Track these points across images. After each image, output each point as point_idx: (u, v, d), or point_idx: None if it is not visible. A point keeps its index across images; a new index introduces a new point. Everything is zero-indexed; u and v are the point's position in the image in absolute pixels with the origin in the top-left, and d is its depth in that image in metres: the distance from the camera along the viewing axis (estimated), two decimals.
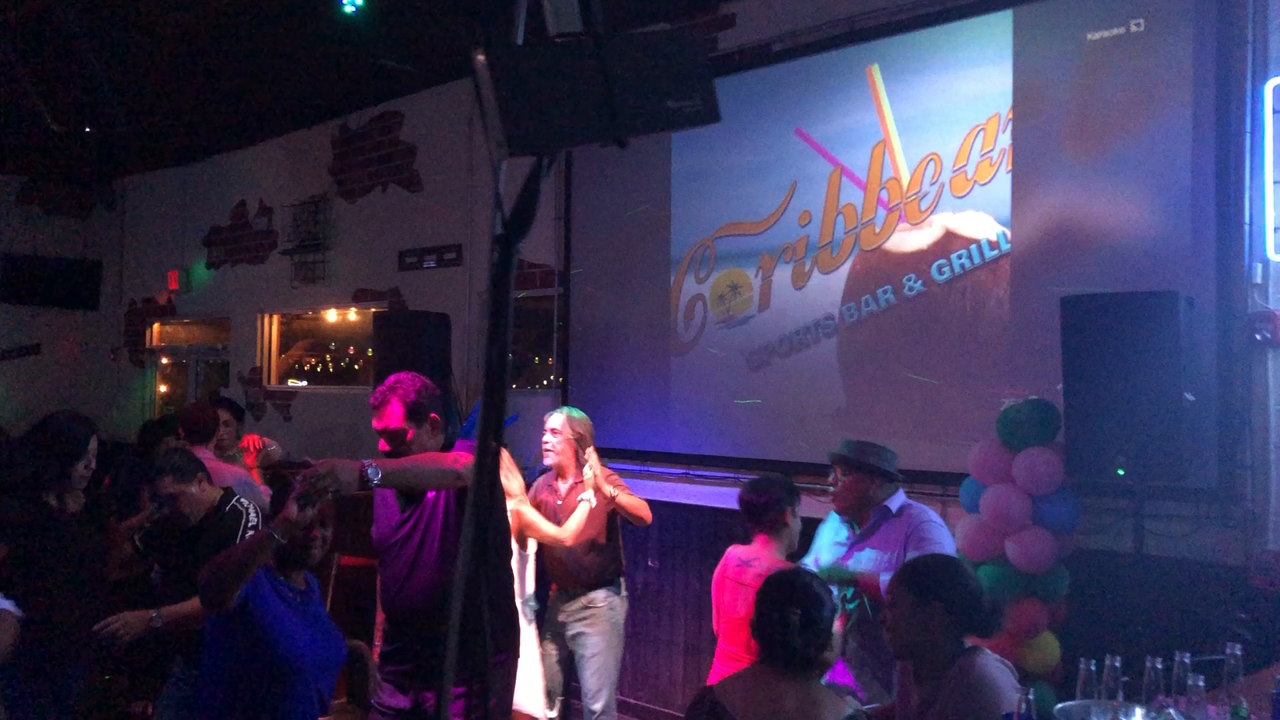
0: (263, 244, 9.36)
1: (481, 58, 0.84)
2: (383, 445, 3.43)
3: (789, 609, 2.52)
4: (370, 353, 9.15)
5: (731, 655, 3.90)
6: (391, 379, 3.45)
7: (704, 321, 5.94)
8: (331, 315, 9.09)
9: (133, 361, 11.30)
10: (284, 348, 9.66)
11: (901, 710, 2.88)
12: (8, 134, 9.12)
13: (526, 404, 6.99)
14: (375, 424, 3.43)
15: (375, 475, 2.98)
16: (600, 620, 4.88)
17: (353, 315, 8.87)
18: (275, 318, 9.54)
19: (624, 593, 5.05)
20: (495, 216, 0.85)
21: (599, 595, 4.90)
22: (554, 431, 5.01)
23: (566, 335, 6.69)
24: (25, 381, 10.87)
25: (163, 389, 11.24)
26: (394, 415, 3.35)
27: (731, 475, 5.65)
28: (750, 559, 3.97)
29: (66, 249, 11.36)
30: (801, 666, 2.52)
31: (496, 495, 2.83)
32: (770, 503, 3.99)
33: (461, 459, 3.22)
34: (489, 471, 0.82)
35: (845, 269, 5.31)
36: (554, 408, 6.48)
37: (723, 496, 5.65)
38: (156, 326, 11.13)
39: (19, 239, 11.04)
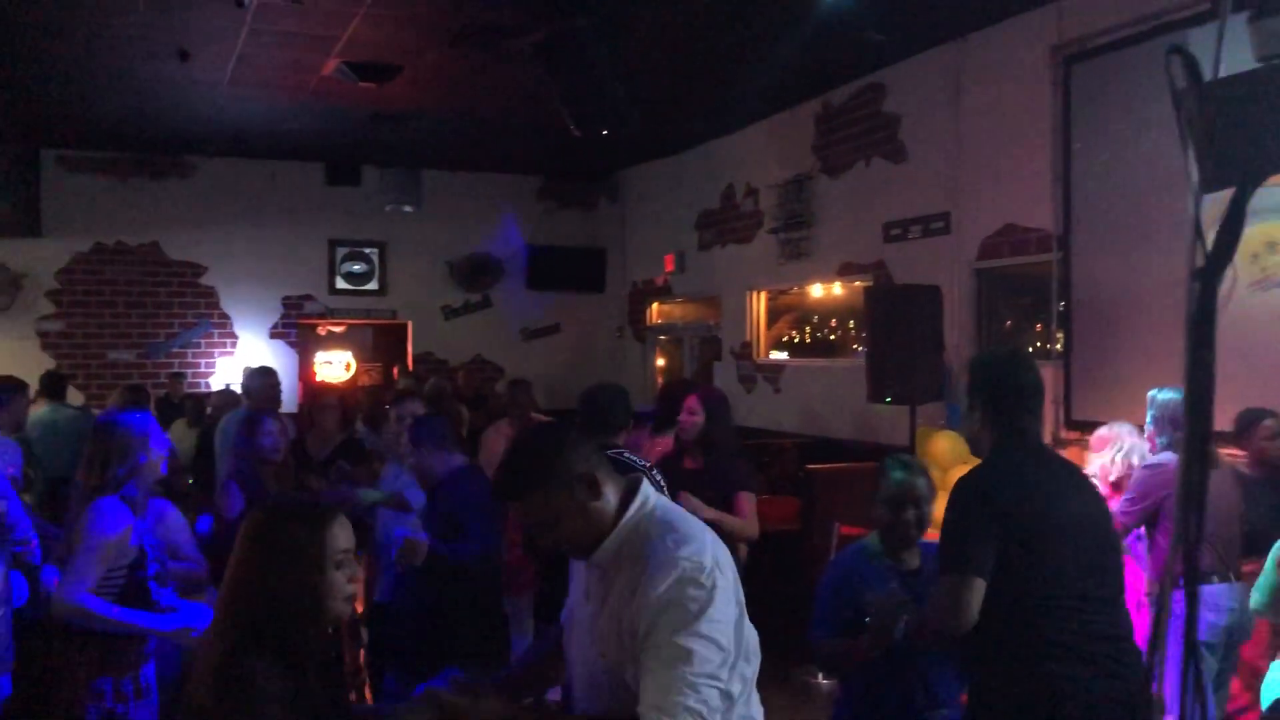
0: (750, 224, 9.79)
1: (1191, 91, 0.82)
2: None
3: None
4: (851, 325, 9.29)
5: None
6: None
7: (1233, 283, 5.35)
8: (815, 290, 9.32)
9: (635, 338, 12.35)
10: (770, 322, 10.06)
11: None
12: (530, 139, 10.30)
13: None
14: None
15: (900, 633, 2.99)
16: None
17: (836, 289, 9.03)
18: (763, 294, 9.95)
19: None
20: (1195, 248, 0.83)
21: None
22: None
23: (1069, 302, 6.34)
24: (547, 357, 12.28)
25: (660, 363, 12.18)
26: None
27: None
28: None
29: (577, 239, 12.66)
30: None
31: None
32: None
33: None
34: (1197, 495, 0.80)
35: None
36: (1054, 379, 6.20)
37: None
38: (655, 306, 12.07)
39: (539, 232, 12.48)
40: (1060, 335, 6.50)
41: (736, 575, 2.18)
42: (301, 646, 2.08)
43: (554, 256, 12.44)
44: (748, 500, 4.52)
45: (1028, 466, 2.83)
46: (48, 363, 10.31)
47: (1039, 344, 7.16)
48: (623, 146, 10.69)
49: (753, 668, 2.18)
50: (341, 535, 2.12)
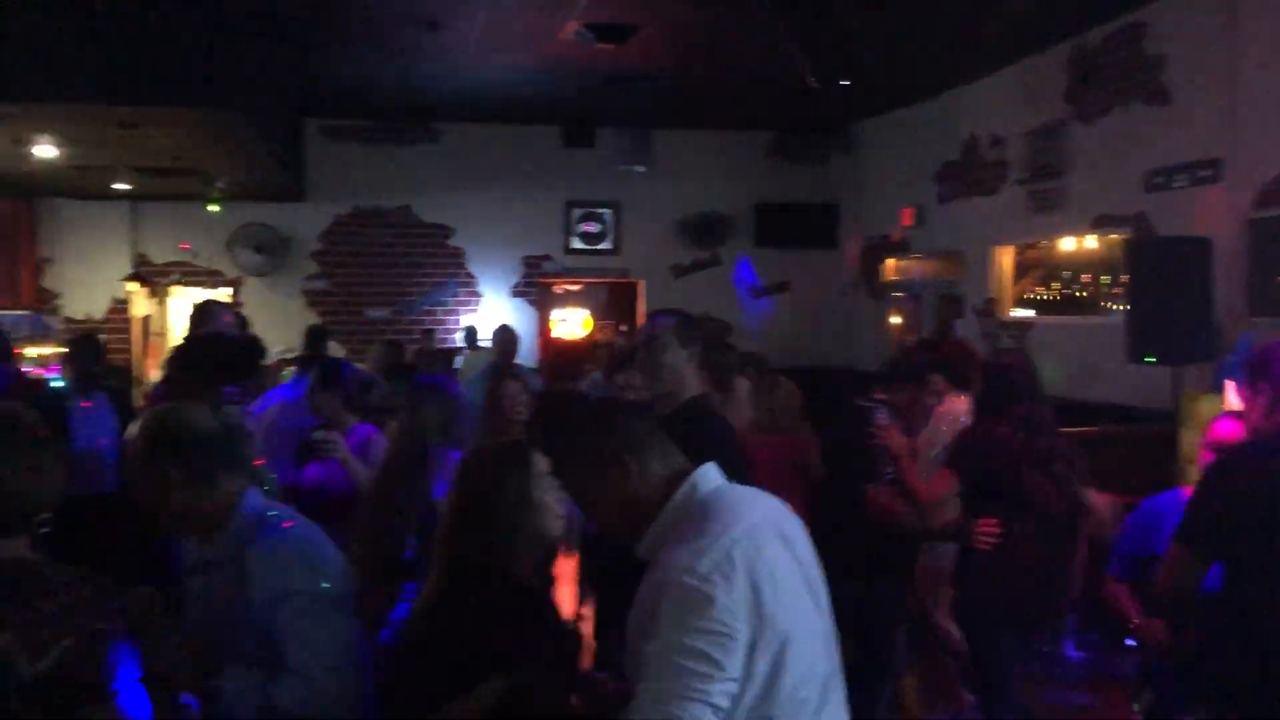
0: (994, 176, 9.36)
1: None
2: (1222, 429, 3.18)
3: None
4: (1105, 281, 8.74)
5: None
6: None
7: None
8: (1065, 244, 8.82)
9: (869, 295, 12.07)
10: (1015, 278, 9.61)
11: None
12: (761, 95, 10.18)
13: None
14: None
15: None
16: None
17: (1089, 242, 8.52)
18: (1009, 248, 9.51)
19: None
20: None
21: None
22: None
23: None
24: (777, 314, 12.21)
25: (895, 320, 11.86)
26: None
27: None
28: None
29: (808, 194, 12.46)
30: None
31: None
32: None
33: None
34: None
35: None
36: None
37: None
38: (890, 262, 11.75)
39: (769, 188, 12.37)
40: None
41: (772, 573, 1.92)
42: (526, 567, 2.34)
43: (783, 213, 12.30)
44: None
45: None
46: (313, 319, 11.10)
47: None
48: (857, 98, 10.39)
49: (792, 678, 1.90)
50: (541, 462, 2.40)
